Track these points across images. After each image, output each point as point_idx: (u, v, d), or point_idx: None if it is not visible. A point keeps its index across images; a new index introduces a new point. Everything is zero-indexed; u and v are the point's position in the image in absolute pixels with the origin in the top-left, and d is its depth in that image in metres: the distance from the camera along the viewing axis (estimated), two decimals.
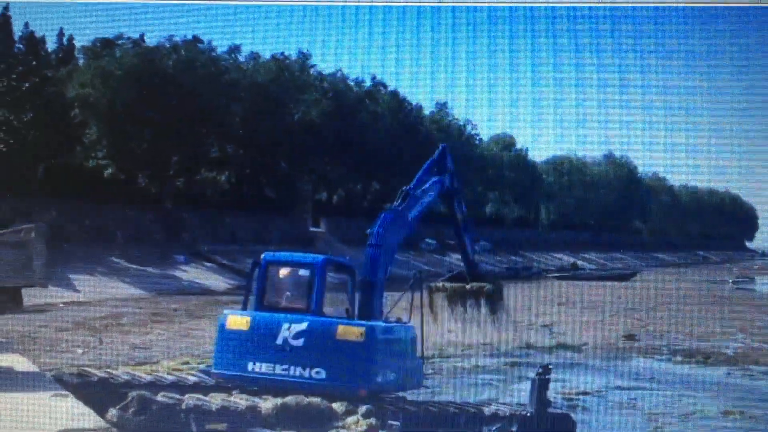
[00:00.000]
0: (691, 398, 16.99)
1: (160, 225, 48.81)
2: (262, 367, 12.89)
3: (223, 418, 12.08)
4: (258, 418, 12.09)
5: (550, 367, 13.46)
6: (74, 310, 30.37)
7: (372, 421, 12.17)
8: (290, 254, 14.72)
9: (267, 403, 12.25)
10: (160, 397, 12.08)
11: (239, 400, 12.41)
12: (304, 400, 12.36)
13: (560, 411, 13.85)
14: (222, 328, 13.09)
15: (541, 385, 12.87)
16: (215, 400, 12.30)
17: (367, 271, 14.21)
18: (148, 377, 13.47)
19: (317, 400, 12.43)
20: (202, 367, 13.91)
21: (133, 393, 11.99)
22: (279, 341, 12.92)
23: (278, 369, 12.88)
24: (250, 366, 12.87)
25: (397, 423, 12.00)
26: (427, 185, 15.89)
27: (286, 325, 12.99)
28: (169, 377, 13.65)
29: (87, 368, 14.14)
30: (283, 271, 13.96)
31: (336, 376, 12.90)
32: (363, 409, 12.35)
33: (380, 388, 13.20)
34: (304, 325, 13.01)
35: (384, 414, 12.41)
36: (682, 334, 27.00)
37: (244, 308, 13.56)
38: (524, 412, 12.87)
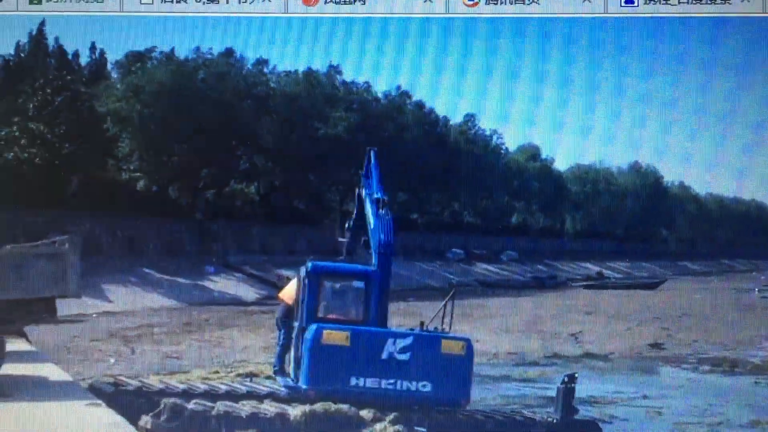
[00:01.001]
0: (718, 407, 16.95)
1: (192, 236, 49.22)
2: (366, 382, 13.00)
3: (253, 424, 12.25)
4: (287, 424, 12.24)
5: (576, 375, 13.59)
6: (107, 320, 30.70)
7: (399, 427, 12.33)
8: (341, 264, 14.94)
9: (296, 410, 12.40)
10: (191, 405, 12.26)
11: (269, 407, 12.58)
12: (332, 406, 12.49)
13: (586, 418, 13.96)
14: (315, 342, 13.01)
15: (566, 393, 12.99)
16: (245, 407, 12.47)
17: (387, 280, 14.41)
18: (182, 386, 13.65)
19: (345, 406, 12.57)
20: (286, 381, 13.65)
21: (166, 400, 12.20)
22: (384, 356, 13.09)
23: (384, 383, 13.04)
24: (353, 381, 12.97)
25: (423, 429, 12.14)
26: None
27: (391, 340, 13.17)
28: (202, 386, 13.82)
29: (122, 377, 14.40)
30: (337, 282, 14.18)
31: (441, 389, 13.18)
32: (390, 415, 12.52)
33: None
34: (409, 340, 13.24)
35: (410, 420, 12.57)
36: (708, 343, 26.86)
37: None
38: (550, 419, 13.00)
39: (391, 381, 13.05)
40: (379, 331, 13.82)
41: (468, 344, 13.60)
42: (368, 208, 15.44)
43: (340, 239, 16.45)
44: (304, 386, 13.04)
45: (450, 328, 14.06)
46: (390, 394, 13.05)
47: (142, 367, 19.53)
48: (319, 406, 12.53)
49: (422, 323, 14.10)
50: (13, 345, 14.07)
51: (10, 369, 12.06)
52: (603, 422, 15.02)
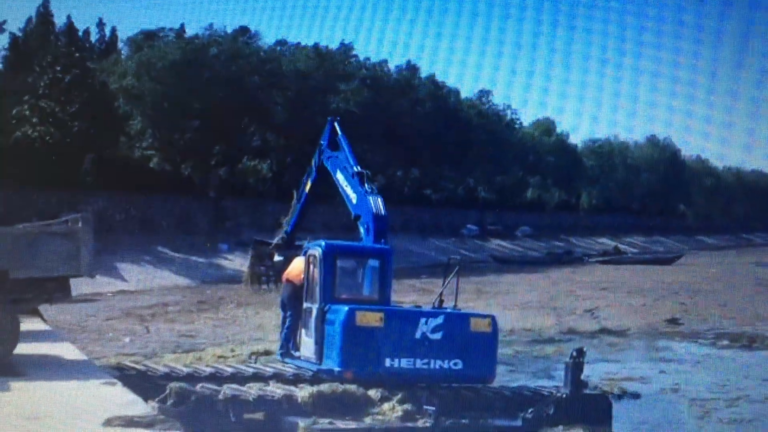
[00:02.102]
0: (736, 383, 16.83)
1: (205, 214, 49.26)
2: (401, 363, 12.84)
3: (261, 407, 12.04)
4: (294, 406, 12.05)
5: (584, 350, 13.46)
6: (122, 299, 30.79)
7: (408, 406, 12.18)
8: (355, 244, 14.76)
9: (303, 392, 12.19)
10: (198, 389, 12.05)
11: (275, 389, 12.37)
12: (340, 387, 12.29)
13: (596, 392, 13.80)
14: (349, 324, 12.76)
15: (575, 367, 12.85)
16: (252, 389, 12.24)
17: None
18: (187, 369, 13.42)
19: (353, 387, 12.38)
20: (315, 367, 13.33)
21: (172, 385, 11.97)
22: (418, 335, 12.93)
23: (419, 363, 12.91)
24: (387, 362, 12.79)
25: (433, 408, 12.00)
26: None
27: (423, 320, 13.02)
28: (208, 369, 13.58)
29: (126, 362, 14.26)
30: (352, 262, 13.99)
31: (471, 366, 13.16)
32: (399, 395, 12.38)
33: None
34: (440, 319, 13.12)
35: (419, 399, 12.43)
36: (726, 318, 26.72)
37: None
38: (559, 394, 12.86)
39: (425, 360, 12.94)
40: (413, 310, 13.84)
41: (493, 321, 13.62)
42: (345, 182, 15.13)
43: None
44: (337, 368, 12.81)
45: (456, 303, 13.98)
46: (424, 374, 12.98)
47: (157, 345, 19.52)
48: (326, 387, 12.31)
49: (441, 302, 13.99)
50: (28, 324, 14.06)
51: (25, 348, 12.04)
52: (617, 396, 14.91)
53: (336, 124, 16.24)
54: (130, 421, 8.72)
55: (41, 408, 9.35)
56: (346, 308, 12.91)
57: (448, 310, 13.64)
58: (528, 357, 19.39)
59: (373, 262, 13.83)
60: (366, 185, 14.68)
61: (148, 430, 8.55)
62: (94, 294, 28.50)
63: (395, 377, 12.79)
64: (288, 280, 14.74)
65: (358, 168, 15.03)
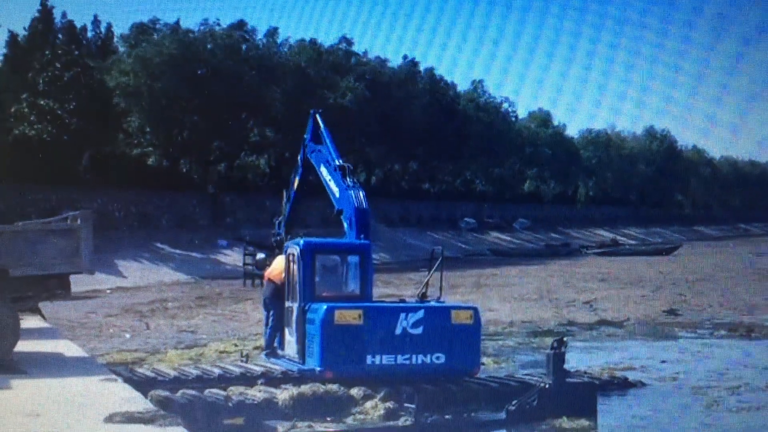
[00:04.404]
0: (735, 372, 16.85)
1: (204, 210, 49.27)
2: (383, 359, 12.77)
3: (242, 412, 11.81)
4: (275, 409, 11.91)
5: (565, 339, 13.39)
6: (121, 295, 30.80)
7: (390, 404, 12.08)
8: (334, 240, 14.66)
9: (284, 394, 12.04)
10: (178, 396, 11.92)
11: (256, 393, 12.18)
12: (321, 388, 12.18)
13: (581, 380, 13.70)
14: (327, 323, 12.62)
15: (556, 358, 12.79)
16: (233, 395, 12.10)
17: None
18: (174, 373, 13.17)
19: (335, 387, 12.26)
20: (296, 367, 13.18)
21: (153, 393, 11.83)
22: (398, 331, 12.85)
23: (400, 359, 12.85)
24: (369, 359, 12.71)
25: (413, 405, 11.89)
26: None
27: (403, 315, 12.94)
28: (194, 371, 13.31)
29: (113, 366, 14.19)
30: (331, 258, 13.89)
31: (454, 359, 13.13)
32: (381, 392, 12.30)
33: None
34: (420, 314, 13.05)
35: (400, 397, 12.31)
36: (724, 308, 26.72)
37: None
38: (542, 384, 12.79)
39: (406, 356, 12.86)
40: (392, 306, 13.71)
41: (475, 312, 13.55)
42: (328, 176, 14.96)
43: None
44: (318, 368, 12.69)
45: (441, 295, 13.93)
46: (406, 370, 12.89)
47: (158, 342, 19.53)
48: (307, 388, 12.17)
49: (424, 294, 13.94)
50: (28, 322, 14.10)
51: (26, 346, 12.06)
52: (607, 381, 14.88)
53: (318, 116, 16.10)
54: (131, 417, 8.73)
55: (42, 405, 9.37)
56: (325, 306, 12.77)
57: (429, 304, 13.54)
58: (528, 348, 19.42)
59: (353, 258, 13.69)
60: (348, 179, 14.56)
61: (149, 426, 8.57)
62: (93, 291, 28.55)
63: (377, 374, 12.70)
64: (269, 280, 14.66)
65: (340, 161, 14.89)
